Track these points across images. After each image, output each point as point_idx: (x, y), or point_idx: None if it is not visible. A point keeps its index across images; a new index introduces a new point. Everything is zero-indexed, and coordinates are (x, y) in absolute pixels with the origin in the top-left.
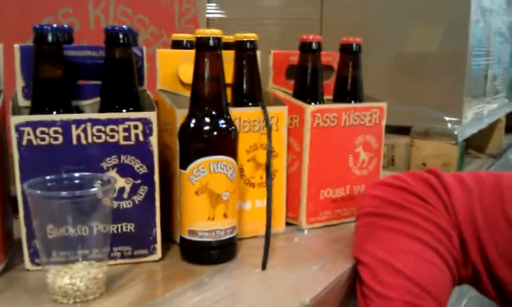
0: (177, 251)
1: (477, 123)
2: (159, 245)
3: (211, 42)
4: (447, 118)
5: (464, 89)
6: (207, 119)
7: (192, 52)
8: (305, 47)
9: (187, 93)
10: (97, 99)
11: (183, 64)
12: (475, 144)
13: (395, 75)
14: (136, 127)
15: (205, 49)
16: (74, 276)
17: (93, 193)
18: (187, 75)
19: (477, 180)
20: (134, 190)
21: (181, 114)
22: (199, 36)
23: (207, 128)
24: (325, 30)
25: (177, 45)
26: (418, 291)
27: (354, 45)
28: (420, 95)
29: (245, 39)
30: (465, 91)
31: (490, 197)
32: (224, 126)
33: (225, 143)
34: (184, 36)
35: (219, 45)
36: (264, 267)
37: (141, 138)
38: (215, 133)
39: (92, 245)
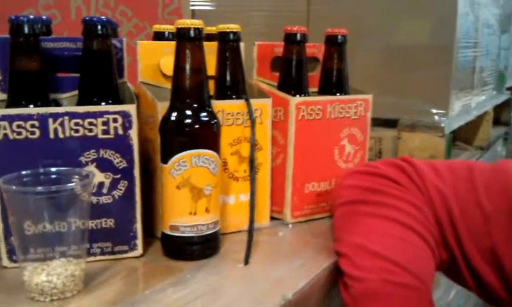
0: (159, 247)
1: (464, 116)
2: (139, 241)
3: (191, 33)
4: (433, 111)
5: (451, 81)
6: (188, 112)
7: (174, 43)
8: (290, 39)
9: (169, 86)
10: (76, 92)
11: (165, 56)
12: (463, 137)
13: (382, 68)
14: (115, 120)
15: (185, 40)
16: (51, 273)
17: (70, 188)
18: (169, 67)
19: (449, 168)
20: (114, 185)
21: (162, 107)
22: (179, 26)
23: (188, 121)
24: (312, 22)
25: (159, 36)
26: (396, 268)
27: (339, 37)
28: (407, 88)
29: (228, 30)
30: (452, 84)
31: (464, 188)
32: (205, 119)
33: (207, 136)
34: (166, 28)
35: (200, 35)
36: (246, 262)
37: (120, 131)
38: (196, 126)
39: (70, 241)
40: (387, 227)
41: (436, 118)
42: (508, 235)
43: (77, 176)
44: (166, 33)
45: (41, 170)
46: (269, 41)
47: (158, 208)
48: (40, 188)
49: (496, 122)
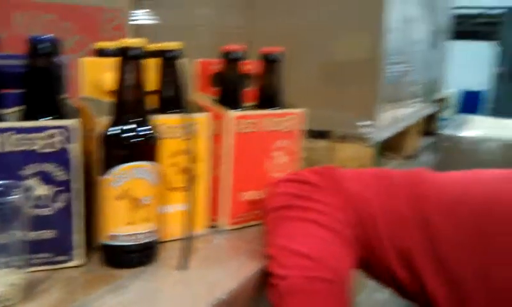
0: (99, 257)
1: (392, 127)
2: (79, 252)
3: (133, 52)
4: (362, 123)
5: (378, 95)
6: (128, 126)
7: (115, 60)
8: (227, 56)
9: (110, 100)
10: (19, 108)
11: (106, 72)
12: (392, 146)
13: (317, 82)
14: (56, 135)
15: (127, 58)
16: None
17: (12, 201)
18: (110, 82)
19: (371, 175)
20: (55, 197)
21: (102, 121)
22: (122, 45)
23: (128, 134)
24: (254, 38)
25: (101, 53)
26: (315, 265)
27: (273, 55)
28: (340, 101)
29: (169, 48)
30: (379, 97)
31: (384, 193)
32: (145, 132)
33: (146, 149)
34: (108, 44)
35: (141, 54)
36: (183, 267)
37: (61, 146)
38: (136, 139)
39: (11, 252)
40: (309, 228)
41: (364, 129)
42: (421, 238)
43: (18, 189)
44: (108, 50)
45: None
46: (213, 57)
47: (97, 219)
48: None
49: (424, 133)
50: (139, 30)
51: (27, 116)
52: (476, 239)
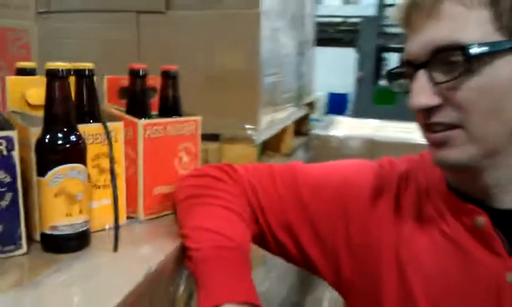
0: (38, 246)
1: (271, 129)
2: (24, 242)
3: (60, 73)
4: (247, 126)
5: (259, 101)
6: (61, 135)
7: (37, 78)
8: (134, 73)
9: (35, 113)
10: None
11: (30, 89)
12: (272, 146)
13: (205, 92)
14: (1, 144)
15: (55, 78)
16: None
17: None
18: (34, 97)
19: (256, 168)
20: (1, 196)
21: (35, 132)
22: (49, 68)
23: (61, 141)
24: (142, 50)
25: (21, 72)
26: (221, 238)
27: (172, 72)
28: (226, 108)
29: (85, 67)
30: (259, 103)
31: (267, 180)
32: (75, 139)
33: (77, 153)
34: (27, 65)
35: (67, 74)
36: (115, 249)
37: (5, 153)
38: (68, 145)
39: None
40: (215, 211)
41: (249, 132)
42: (298, 214)
43: None
44: (28, 69)
45: None
46: (103, 68)
47: (33, 214)
48: None
49: (298, 133)
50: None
51: None
52: (339, 210)
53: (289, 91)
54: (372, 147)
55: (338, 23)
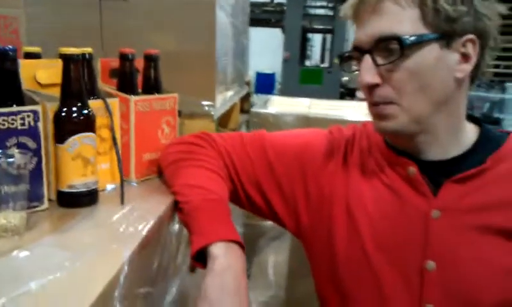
0: (53, 203)
1: (224, 106)
2: (45, 199)
3: (75, 57)
4: (205, 103)
5: (215, 81)
6: (75, 109)
7: (45, 61)
8: (124, 57)
9: (44, 91)
10: None
11: (39, 70)
12: (222, 122)
13: (169, 73)
14: (28, 116)
15: (71, 61)
16: (7, 219)
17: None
18: (44, 78)
19: (229, 136)
20: (29, 160)
21: (51, 106)
22: (66, 52)
23: (76, 114)
24: (105, 35)
25: (28, 55)
26: (206, 192)
27: (154, 55)
28: (187, 86)
29: (87, 51)
30: (216, 82)
31: (238, 146)
32: (87, 112)
33: (89, 124)
34: (33, 49)
35: (81, 58)
36: (122, 202)
37: (32, 123)
38: (82, 117)
39: (15, 199)
40: (199, 171)
41: (207, 108)
42: (266, 174)
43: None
44: (34, 53)
45: None
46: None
47: (48, 176)
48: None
49: (241, 110)
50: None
51: (2, 104)
52: (298, 169)
53: (234, 71)
54: (306, 123)
55: (265, 4)
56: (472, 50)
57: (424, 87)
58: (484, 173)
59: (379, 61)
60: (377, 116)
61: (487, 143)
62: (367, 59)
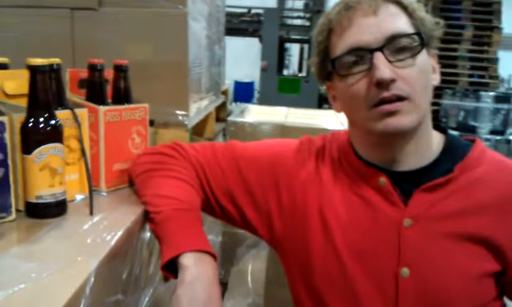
0: (21, 214)
1: (198, 115)
2: (13, 210)
3: (42, 68)
4: (178, 112)
5: (189, 90)
6: (42, 119)
7: (12, 71)
8: (93, 67)
9: (11, 102)
10: None
11: (5, 81)
12: (197, 131)
13: (139, 83)
14: None
15: (38, 72)
16: None
17: None
18: (11, 88)
19: (202, 146)
20: None
21: (17, 117)
22: (33, 63)
23: (43, 125)
24: (76, 46)
25: None
26: (177, 202)
27: (123, 66)
28: (161, 96)
29: (55, 62)
30: (189, 92)
31: (210, 156)
32: (54, 122)
33: (57, 134)
34: (1, 60)
35: (47, 68)
36: (91, 212)
37: None
38: (49, 128)
39: None
40: (170, 181)
41: (181, 118)
42: (238, 183)
43: None
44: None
45: None
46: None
47: (16, 187)
48: None
49: (217, 119)
50: None
51: None
52: (270, 179)
53: (209, 81)
54: (282, 131)
55: (242, 14)
56: (435, 64)
57: (427, 87)
58: (451, 182)
59: (391, 58)
60: (390, 113)
61: (453, 151)
62: (379, 56)
